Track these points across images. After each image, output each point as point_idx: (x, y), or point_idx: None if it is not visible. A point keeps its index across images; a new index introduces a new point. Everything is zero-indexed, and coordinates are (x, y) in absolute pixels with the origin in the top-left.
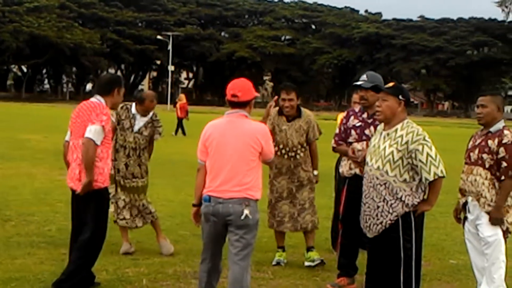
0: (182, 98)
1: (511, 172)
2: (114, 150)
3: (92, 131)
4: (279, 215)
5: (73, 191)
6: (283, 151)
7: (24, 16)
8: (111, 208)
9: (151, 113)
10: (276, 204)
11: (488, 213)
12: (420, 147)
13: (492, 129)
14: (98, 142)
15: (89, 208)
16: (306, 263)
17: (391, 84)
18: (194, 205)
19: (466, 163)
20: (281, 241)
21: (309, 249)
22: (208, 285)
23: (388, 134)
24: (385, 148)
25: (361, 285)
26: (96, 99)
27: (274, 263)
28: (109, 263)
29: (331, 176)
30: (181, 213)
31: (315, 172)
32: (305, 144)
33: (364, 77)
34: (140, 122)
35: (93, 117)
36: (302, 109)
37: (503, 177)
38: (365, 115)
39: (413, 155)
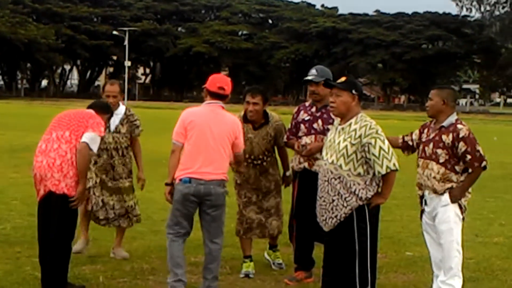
0: None
1: (477, 164)
2: (96, 154)
3: (91, 138)
4: (247, 221)
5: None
6: (249, 160)
7: None
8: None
9: (123, 109)
10: (245, 210)
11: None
12: (372, 141)
13: (444, 124)
14: (95, 150)
15: (59, 213)
16: (267, 257)
17: (343, 78)
18: (167, 184)
19: (421, 157)
20: (249, 250)
21: (273, 247)
22: (182, 259)
23: (342, 129)
24: (339, 142)
25: (318, 278)
26: (90, 110)
27: (242, 275)
28: None
29: None
30: (140, 209)
31: (287, 173)
32: (271, 149)
33: (313, 71)
34: (115, 120)
35: (90, 123)
36: (270, 113)
37: (470, 170)
38: (313, 109)
39: (366, 149)
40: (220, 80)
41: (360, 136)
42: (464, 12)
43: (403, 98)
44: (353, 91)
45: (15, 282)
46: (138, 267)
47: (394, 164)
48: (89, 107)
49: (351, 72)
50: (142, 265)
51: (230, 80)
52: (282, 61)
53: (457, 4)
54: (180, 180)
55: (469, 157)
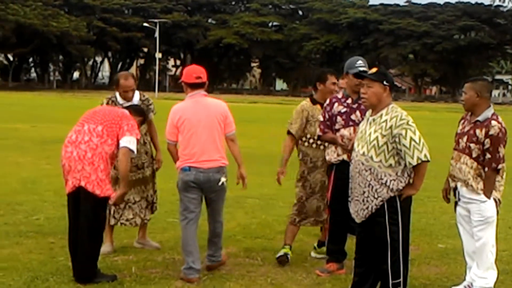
0: None
1: (494, 165)
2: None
3: (131, 141)
4: (306, 210)
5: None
6: (318, 142)
7: (9, 4)
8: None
9: (137, 96)
10: (307, 201)
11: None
12: (403, 132)
13: (480, 118)
14: (135, 153)
15: (90, 206)
16: (314, 255)
17: (374, 69)
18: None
19: (455, 149)
20: (292, 239)
21: (323, 244)
22: (192, 238)
23: (374, 120)
24: (370, 134)
25: (350, 270)
26: (125, 111)
27: (280, 254)
28: None
29: None
30: (170, 201)
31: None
32: None
33: (360, 62)
34: None
35: (125, 124)
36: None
37: (486, 169)
38: (349, 101)
39: (397, 140)
40: (195, 71)
41: (391, 127)
42: (497, 2)
43: (434, 89)
44: (384, 82)
45: (49, 272)
46: (169, 258)
47: (425, 155)
48: (125, 107)
49: (382, 63)
50: (174, 256)
51: (202, 68)
52: (312, 53)
53: None
54: (181, 169)
55: (488, 155)
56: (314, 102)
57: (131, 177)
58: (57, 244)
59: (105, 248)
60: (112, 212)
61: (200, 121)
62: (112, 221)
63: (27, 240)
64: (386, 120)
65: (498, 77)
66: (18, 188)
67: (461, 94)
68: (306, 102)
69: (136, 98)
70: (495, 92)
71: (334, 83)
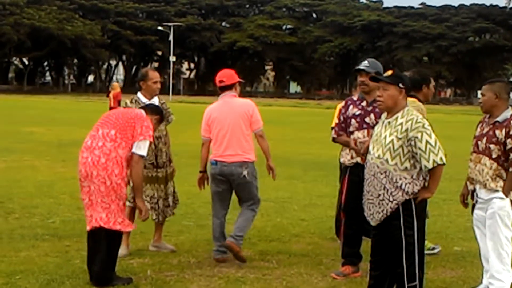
0: (115, 87)
1: None
2: None
3: (142, 148)
4: None
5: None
6: None
7: (24, 8)
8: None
9: (156, 98)
10: None
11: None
12: (419, 135)
13: (499, 119)
14: (145, 155)
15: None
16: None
17: (390, 72)
18: (200, 172)
19: (474, 152)
20: None
21: None
22: (222, 234)
23: (389, 123)
24: (385, 136)
25: (366, 273)
26: (140, 111)
27: None
28: None
29: (334, 165)
30: (185, 203)
31: None
32: None
33: (365, 62)
34: None
35: (139, 127)
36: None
37: (510, 169)
38: (364, 103)
39: (413, 143)
40: (220, 75)
41: (406, 130)
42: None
43: (449, 91)
44: (400, 85)
45: (65, 275)
46: (185, 261)
47: (441, 158)
48: (141, 107)
49: (396, 66)
50: (189, 259)
51: (230, 72)
52: (326, 55)
53: None
54: (210, 163)
55: None
56: (421, 102)
57: (151, 173)
58: (72, 247)
59: (121, 251)
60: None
61: (226, 119)
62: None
63: (43, 243)
64: (401, 123)
65: None
66: (34, 191)
67: (476, 97)
68: (419, 102)
69: (156, 98)
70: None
71: (434, 86)
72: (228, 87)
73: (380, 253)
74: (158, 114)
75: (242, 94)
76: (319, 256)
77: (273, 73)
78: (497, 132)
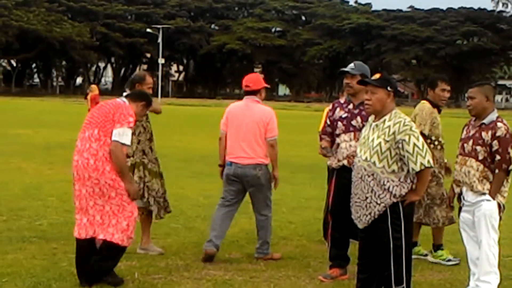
0: (94, 89)
1: (504, 166)
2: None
3: (119, 133)
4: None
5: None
6: (443, 142)
7: (12, 10)
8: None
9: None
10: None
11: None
12: (406, 138)
13: (485, 121)
14: (128, 143)
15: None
16: (432, 259)
17: (377, 75)
18: (219, 166)
19: (460, 154)
20: (415, 235)
21: (438, 247)
22: (219, 218)
23: (376, 126)
24: (373, 139)
25: (353, 275)
26: (121, 99)
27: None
28: None
29: (322, 167)
30: (173, 205)
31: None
32: None
33: (351, 65)
34: None
35: (117, 117)
36: None
37: (497, 170)
38: (350, 106)
39: (400, 146)
40: (246, 79)
41: (394, 133)
42: (499, 8)
43: None
44: (388, 88)
45: (52, 278)
46: (172, 264)
47: (428, 161)
48: (125, 96)
49: (384, 69)
50: (177, 262)
51: (257, 77)
52: (315, 58)
53: (492, 0)
54: (226, 163)
55: (498, 157)
56: (434, 106)
57: (152, 166)
58: (60, 249)
59: (153, 247)
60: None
61: (243, 121)
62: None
63: (30, 245)
64: (389, 126)
65: (501, 82)
66: (21, 193)
67: (464, 99)
68: (429, 105)
69: None
70: (497, 98)
71: (444, 90)
72: (253, 92)
73: (368, 255)
74: (143, 99)
75: (231, 96)
76: (307, 258)
77: (262, 76)
78: (484, 134)
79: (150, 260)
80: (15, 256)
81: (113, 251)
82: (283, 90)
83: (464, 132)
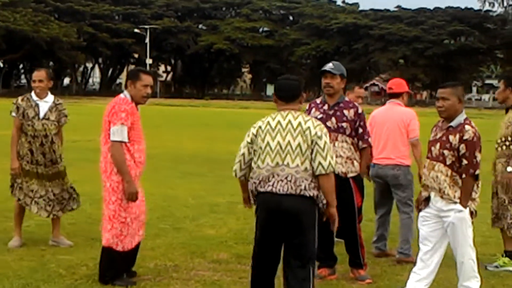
0: None
1: (472, 170)
2: (26, 142)
3: (114, 133)
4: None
5: None
6: (508, 143)
7: None
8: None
9: (52, 97)
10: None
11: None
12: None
13: (453, 123)
14: (125, 140)
15: None
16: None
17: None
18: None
19: (428, 158)
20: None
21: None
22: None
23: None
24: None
25: (342, 275)
26: (122, 94)
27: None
28: (89, 258)
29: None
30: (162, 206)
31: (509, 169)
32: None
33: (330, 65)
34: (44, 107)
35: (110, 117)
36: None
37: (464, 175)
38: (326, 107)
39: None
40: (390, 82)
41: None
42: (486, 7)
43: (425, 94)
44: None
45: (40, 279)
46: (161, 264)
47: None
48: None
49: (372, 68)
50: (165, 262)
51: (400, 81)
52: (303, 58)
53: None
54: (370, 165)
55: (465, 161)
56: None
57: (49, 171)
58: (48, 251)
59: (12, 242)
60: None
61: (385, 124)
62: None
63: (18, 247)
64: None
65: (488, 81)
66: (8, 194)
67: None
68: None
69: (51, 98)
70: (485, 97)
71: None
72: (396, 95)
73: None
74: (129, 77)
75: (219, 97)
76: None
77: (250, 76)
78: (451, 137)
79: (139, 261)
80: (2, 258)
81: (109, 255)
82: (271, 90)
83: (432, 133)
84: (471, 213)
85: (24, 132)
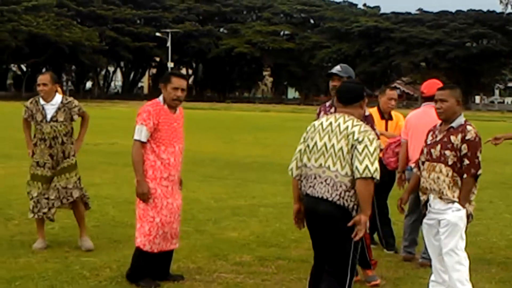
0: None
1: (473, 170)
2: (38, 144)
3: (135, 132)
4: None
5: None
6: None
7: (22, 15)
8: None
9: (59, 98)
10: None
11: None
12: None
13: (453, 124)
14: (144, 140)
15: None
16: None
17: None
18: (400, 172)
19: (427, 160)
20: None
21: None
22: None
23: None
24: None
25: (364, 277)
26: (160, 97)
27: None
28: (113, 260)
29: None
30: (184, 209)
31: None
32: None
33: (338, 67)
34: (51, 110)
35: (136, 117)
36: None
37: (465, 175)
38: (333, 110)
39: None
40: (423, 86)
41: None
42: (509, 10)
43: None
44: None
45: (64, 281)
46: (184, 266)
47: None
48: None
49: (393, 72)
50: (188, 265)
51: (433, 83)
52: (324, 61)
53: (501, 2)
54: (407, 168)
55: (467, 161)
56: None
57: (51, 172)
58: (72, 253)
59: (37, 244)
60: (31, 207)
61: (420, 127)
62: (30, 215)
63: (42, 249)
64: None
65: (510, 84)
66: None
67: (474, 102)
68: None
69: (58, 100)
70: (507, 100)
71: None
72: (429, 98)
73: None
74: (161, 81)
75: (240, 100)
76: None
77: (271, 79)
78: (452, 138)
79: None
80: (27, 260)
81: (138, 255)
82: (292, 93)
83: (430, 137)
84: (468, 216)
85: (34, 134)
